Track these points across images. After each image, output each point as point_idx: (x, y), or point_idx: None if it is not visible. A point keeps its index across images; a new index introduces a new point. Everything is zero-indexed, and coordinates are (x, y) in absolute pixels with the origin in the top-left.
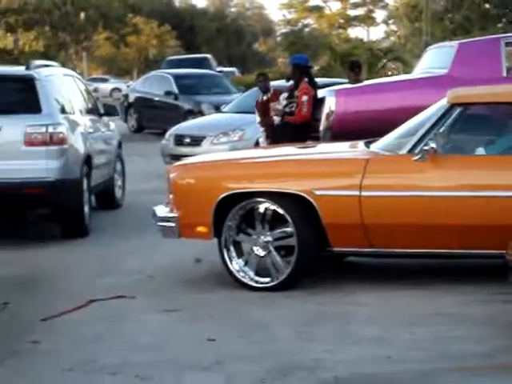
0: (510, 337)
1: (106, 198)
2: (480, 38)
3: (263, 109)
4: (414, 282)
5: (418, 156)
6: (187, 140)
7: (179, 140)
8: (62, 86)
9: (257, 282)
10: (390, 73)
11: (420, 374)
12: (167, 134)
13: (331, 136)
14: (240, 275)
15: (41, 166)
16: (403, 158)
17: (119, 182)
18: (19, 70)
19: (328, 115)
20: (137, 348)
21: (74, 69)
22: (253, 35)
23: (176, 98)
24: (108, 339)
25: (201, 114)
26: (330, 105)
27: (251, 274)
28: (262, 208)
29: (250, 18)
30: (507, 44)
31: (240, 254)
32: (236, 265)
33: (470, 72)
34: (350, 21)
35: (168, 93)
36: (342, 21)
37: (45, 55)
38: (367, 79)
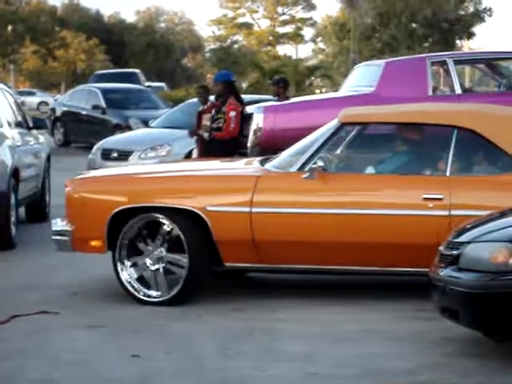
0: (434, 354)
1: (35, 211)
2: (407, 56)
3: (198, 120)
4: (337, 299)
5: (307, 174)
6: (114, 154)
7: (106, 154)
8: None
9: (149, 296)
10: (317, 90)
11: None
12: (94, 148)
13: (259, 152)
14: (131, 289)
15: None
16: (293, 176)
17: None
18: None
19: (256, 131)
20: (61, 364)
21: (5, 82)
22: (182, 51)
23: (104, 113)
24: (31, 355)
25: (129, 128)
26: (257, 121)
27: (143, 288)
28: (155, 223)
29: (180, 34)
30: (433, 63)
31: (134, 268)
32: (129, 278)
33: (397, 90)
34: (279, 38)
35: (96, 107)
36: (270, 38)
37: None
38: (294, 96)
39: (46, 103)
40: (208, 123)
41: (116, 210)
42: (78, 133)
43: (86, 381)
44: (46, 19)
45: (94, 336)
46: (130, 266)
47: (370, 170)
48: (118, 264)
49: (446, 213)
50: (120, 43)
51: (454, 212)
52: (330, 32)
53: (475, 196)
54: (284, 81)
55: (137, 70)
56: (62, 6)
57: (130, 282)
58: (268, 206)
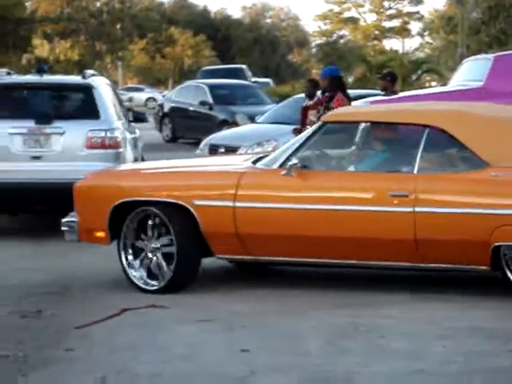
0: None
1: None
2: None
3: (303, 115)
4: (440, 294)
5: (285, 171)
6: (222, 150)
7: (214, 150)
8: (108, 93)
9: (147, 284)
10: (427, 84)
11: None
12: (202, 144)
13: None
14: (133, 277)
15: (100, 168)
16: (273, 173)
17: None
18: (77, 79)
19: None
20: (170, 358)
21: (113, 80)
22: (287, 46)
23: (211, 108)
24: (141, 349)
25: (235, 124)
26: None
27: (144, 276)
28: (151, 216)
29: (285, 29)
30: None
31: (137, 258)
32: (131, 267)
33: (506, 85)
34: (385, 32)
35: (203, 103)
36: (377, 32)
37: (80, 64)
38: (402, 91)
39: (154, 99)
40: (315, 119)
41: (115, 203)
42: (186, 128)
43: (196, 375)
44: (154, 17)
45: (202, 330)
46: (134, 256)
47: (346, 167)
48: (122, 253)
49: (410, 209)
50: (226, 39)
51: (418, 208)
52: (437, 26)
53: (440, 193)
54: (392, 75)
55: (243, 66)
56: (169, 2)
57: (131, 271)
58: (249, 200)
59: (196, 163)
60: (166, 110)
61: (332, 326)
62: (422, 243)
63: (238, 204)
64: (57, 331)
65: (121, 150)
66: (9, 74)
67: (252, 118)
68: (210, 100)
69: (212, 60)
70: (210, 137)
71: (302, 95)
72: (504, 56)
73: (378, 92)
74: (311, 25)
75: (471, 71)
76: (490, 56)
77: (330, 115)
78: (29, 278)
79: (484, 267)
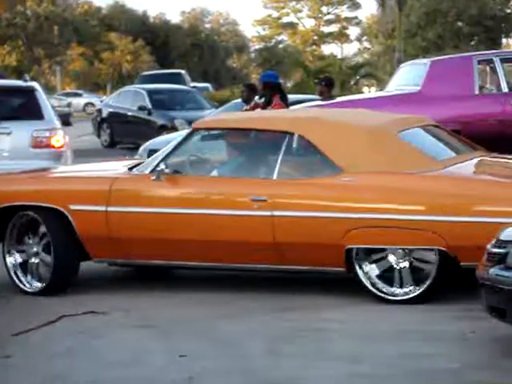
0: (480, 354)
1: None
2: (452, 55)
3: None
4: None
5: (154, 176)
6: None
7: (153, 155)
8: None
9: (31, 286)
10: (366, 88)
11: None
12: (140, 149)
13: None
14: (18, 280)
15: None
16: (144, 178)
17: None
18: (20, 82)
19: None
20: (109, 364)
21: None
22: (227, 51)
23: (149, 113)
24: (79, 355)
25: (174, 129)
26: None
27: (29, 278)
28: (32, 220)
29: (224, 34)
30: (479, 62)
31: (21, 261)
32: (16, 270)
33: (443, 89)
34: (324, 37)
35: (141, 108)
36: (315, 37)
37: (18, 70)
38: (339, 96)
39: (93, 104)
40: None
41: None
42: (124, 134)
43: (134, 381)
44: (93, 22)
45: (141, 336)
46: (20, 259)
47: (213, 173)
48: (7, 256)
49: (268, 213)
50: (165, 44)
51: (276, 213)
52: (374, 31)
53: (295, 197)
54: (329, 80)
55: (182, 71)
56: (107, 7)
57: (16, 273)
58: (121, 205)
59: (77, 169)
60: (104, 115)
61: (273, 330)
62: (281, 246)
63: (110, 208)
64: None
65: (63, 148)
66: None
67: (191, 123)
68: (149, 105)
69: (151, 65)
70: (149, 142)
71: (240, 100)
72: (440, 60)
73: (316, 97)
74: (250, 30)
75: (408, 76)
76: (427, 60)
77: (199, 122)
78: None
79: (340, 269)
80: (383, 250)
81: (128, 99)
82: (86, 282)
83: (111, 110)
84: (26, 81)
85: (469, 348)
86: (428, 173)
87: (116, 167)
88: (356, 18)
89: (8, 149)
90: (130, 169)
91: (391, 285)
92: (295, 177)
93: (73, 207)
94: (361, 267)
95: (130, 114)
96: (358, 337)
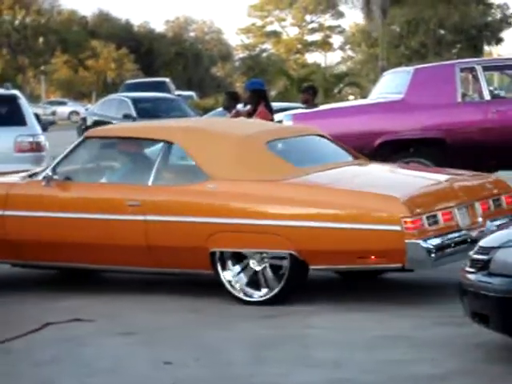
0: (463, 359)
1: None
2: (435, 63)
3: None
4: (365, 305)
5: (45, 182)
6: None
7: None
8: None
9: None
10: (351, 97)
11: None
12: None
13: None
14: None
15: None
16: (37, 184)
17: None
18: (2, 90)
19: None
20: (94, 372)
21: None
22: (211, 59)
23: (134, 121)
24: (65, 363)
25: None
26: None
27: None
28: None
29: (209, 43)
30: (462, 70)
31: None
32: None
33: (426, 97)
34: (308, 46)
35: (126, 116)
36: (299, 46)
37: (2, 78)
38: (323, 104)
39: (77, 113)
40: None
41: None
42: None
43: None
44: (77, 30)
45: (125, 343)
46: None
47: (99, 179)
48: None
49: (142, 218)
50: (150, 52)
51: (148, 217)
52: (358, 40)
53: (165, 203)
54: (312, 88)
55: (166, 79)
56: (92, 15)
57: None
58: (15, 209)
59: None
60: (88, 123)
61: (255, 337)
62: (153, 249)
63: (6, 212)
64: None
65: (44, 153)
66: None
67: None
68: (134, 113)
69: (135, 73)
70: None
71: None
72: (423, 68)
73: (300, 105)
74: (234, 38)
75: (391, 84)
76: (410, 68)
77: (90, 131)
78: None
79: (208, 271)
80: (243, 254)
81: (113, 107)
82: (71, 289)
83: (96, 118)
84: (7, 88)
85: (453, 354)
86: (286, 181)
87: (19, 175)
88: (339, 26)
89: None
90: (31, 176)
91: (250, 287)
92: (168, 183)
93: None
94: (223, 270)
95: (114, 122)
96: (342, 343)
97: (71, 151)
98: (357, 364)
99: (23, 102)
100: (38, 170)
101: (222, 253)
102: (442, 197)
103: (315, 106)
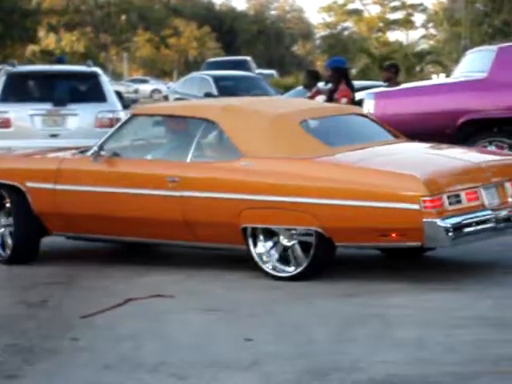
0: None
1: None
2: None
3: None
4: (445, 282)
5: (92, 157)
6: None
7: None
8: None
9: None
10: (434, 76)
11: (458, 376)
12: None
13: None
14: None
15: None
16: (86, 159)
17: None
18: (84, 68)
19: None
20: (174, 347)
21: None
22: (292, 38)
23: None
24: (146, 338)
25: None
26: (368, 107)
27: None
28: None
29: (290, 21)
30: None
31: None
32: None
33: (510, 76)
34: (389, 24)
35: (208, 94)
36: (381, 24)
37: (86, 56)
38: (405, 82)
39: (159, 91)
40: None
41: None
42: None
43: (200, 364)
44: (159, 8)
45: (207, 320)
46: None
47: (144, 155)
48: None
49: (179, 193)
50: (231, 31)
51: (185, 193)
52: (440, 18)
53: (200, 179)
54: (395, 66)
55: (248, 58)
56: None
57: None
58: (65, 183)
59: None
60: (170, 101)
61: (338, 315)
62: (190, 224)
63: (57, 186)
64: (62, 321)
65: None
66: (13, 65)
67: None
68: (215, 91)
69: (216, 52)
70: None
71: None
72: (508, 47)
73: (381, 83)
74: (315, 17)
75: (474, 62)
76: (494, 47)
77: (138, 109)
78: (34, 268)
79: (241, 246)
80: (274, 230)
81: (194, 86)
82: (152, 265)
83: (178, 96)
84: (89, 66)
85: None
86: (314, 159)
87: (70, 151)
88: (421, 4)
89: (75, 128)
90: (83, 152)
91: (280, 263)
92: (204, 160)
93: (29, 185)
94: (255, 245)
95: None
96: (423, 323)
97: (119, 128)
98: (439, 344)
99: (104, 79)
100: (91, 145)
101: (253, 229)
102: (466, 177)
103: (397, 84)
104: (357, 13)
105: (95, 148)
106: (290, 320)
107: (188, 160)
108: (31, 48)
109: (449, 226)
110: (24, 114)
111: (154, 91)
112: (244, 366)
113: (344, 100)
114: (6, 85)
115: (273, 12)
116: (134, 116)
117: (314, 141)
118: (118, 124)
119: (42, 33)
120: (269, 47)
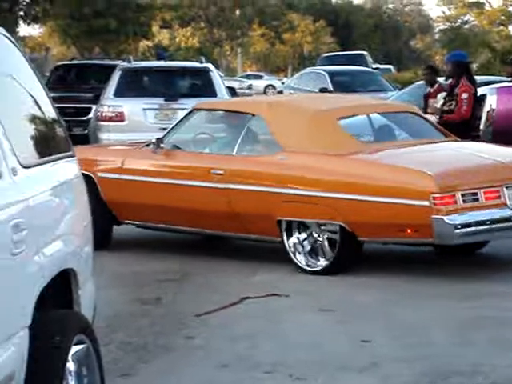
0: None
1: None
2: None
3: (425, 103)
4: None
5: (152, 150)
6: None
7: None
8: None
9: None
10: None
11: None
12: None
13: (492, 134)
14: None
15: None
16: (148, 151)
17: None
18: (196, 64)
19: (489, 113)
20: (291, 347)
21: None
22: (410, 32)
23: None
24: (262, 337)
25: None
26: (491, 103)
27: None
28: None
29: (408, 15)
30: None
31: None
32: None
33: None
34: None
35: (323, 90)
36: (503, 18)
37: (200, 51)
38: None
39: (273, 86)
40: (438, 106)
41: None
42: None
43: (317, 365)
44: (275, 2)
45: (323, 320)
46: None
47: (200, 148)
48: None
49: (224, 186)
50: (347, 25)
51: (230, 185)
52: None
53: (242, 172)
54: None
55: (364, 52)
56: None
57: None
58: (130, 174)
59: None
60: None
61: (452, 318)
62: (237, 216)
63: (122, 177)
64: (177, 319)
65: None
66: (129, 61)
67: None
68: (331, 87)
69: (332, 46)
70: None
71: (423, 82)
72: None
73: (504, 79)
74: (435, 10)
75: None
76: None
77: (198, 104)
78: (149, 266)
79: (277, 238)
80: (306, 224)
81: (309, 81)
82: (265, 262)
83: (292, 91)
84: (201, 62)
85: None
86: (345, 155)
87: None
88: None
89: None
90: (148, 144)
91: (311, 257)
92: (247, 153)
93: (99, 175)
94: (288, 238)
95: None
96: None
97: (180, 121)
98: None
99: (215, 74)
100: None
101: (288, 221)
102: (489, 175)
103: None
104: (478, 6)
105: (156, 141)
106: (404, 321)
107: (234, 153)
108: (145, 43)
109: (457, 223)
110: (137, 109)
111: (268, 87)
112: (361, 368)
113: (465, 95)
114: (121, 80)
115: (390, 5)
116: (194, 110)
117: (349, 137)
118: (180, 117)
119: (155, 28)
120: (386, 41)
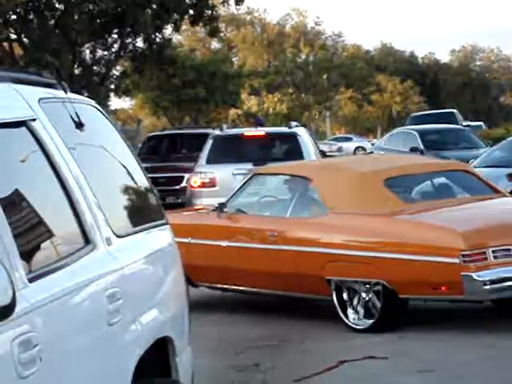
0: None
1: None
2: None
3: None
4: None
5: (217, 214)
6: None
7: None
8: (309, 140)
9: None
10: None
11: None
12: None
13: None
14: None
15: None
16: (213, 215)
17: None
18: (285, 129)
19: None
20: None
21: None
22: (499, 88)
23: (422, 154)
24: None
25: None
26: None
27: None
28: None
29: (496, 71)
30: None
31: None
32: None
33: None
34: None
35: (414, 149)
36: None
37: (289, 117)
38: None
39: (363, 148)
40: None
41: None
42: None
43: None
44: (362, 65)
45: (423, 381)
46: None
47: (261, 211)
48: None
49: (278, 247)
50: (435, 84)
51: (283, 247)
52: None
53: (294, 234)
54: None
55: (454, 110)
56: (374, 49)
57: None
58: (197, 237)
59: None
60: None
61: None
62: (284, 276)
63: (192, 240)
64: None
65: None
66: (221, 129)
67: (466, 162)
68: (421, 146)
69: (420, 106)
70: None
71: None
72: None
73: None
74: None
75: None
76: None
77: (257, 169)
78: (246, 331)
79: (328, 297)
80: (355, 282)
81: (400, 141)
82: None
83: (383, 152)
84: (290, 127)
85: None
86: (389, 216)
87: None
88: None
89: None
90: (214, 209)
91: (359, 315)
92: (298, 216)
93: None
94: (338, 296)
95: None
96: None
97: (242, 186)
98: None
99: (303, 139)
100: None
101: (336, 281)
102: None
103: None
104: None
105: (219, 205)
106: (503, 380)
107: (287, 215)
108: (234, 111)
109: (486, 279)
110: (228, 174)
111: (358, 148)
112: None
113: None
114: (213, 147)
115: (478, 62)
116: (254, 175)
117: (393, 198)
118: (242, 182)
119: (244, 95)
120: (474, 98)
